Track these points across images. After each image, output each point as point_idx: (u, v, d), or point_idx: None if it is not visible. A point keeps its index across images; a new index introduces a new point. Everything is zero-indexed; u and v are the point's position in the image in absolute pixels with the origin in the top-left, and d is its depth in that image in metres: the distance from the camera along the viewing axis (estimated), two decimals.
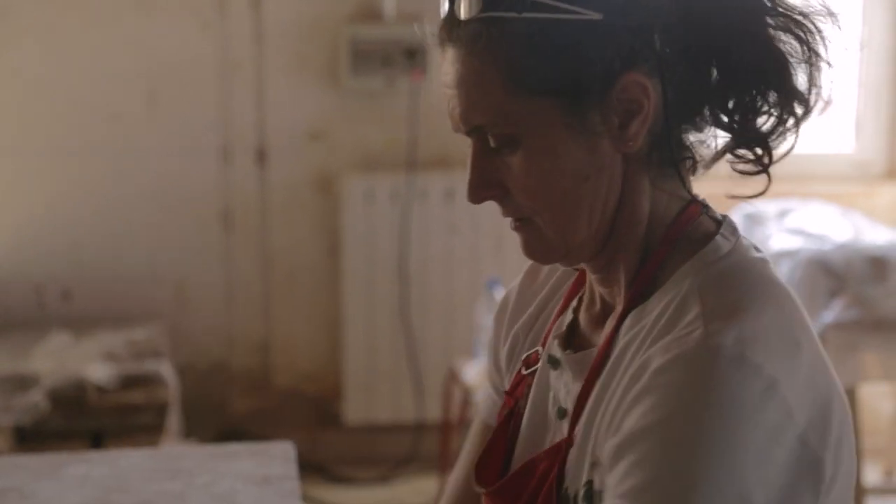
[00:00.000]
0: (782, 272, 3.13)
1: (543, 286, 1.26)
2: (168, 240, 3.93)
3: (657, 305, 1.09)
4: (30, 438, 3.20)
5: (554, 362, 1.18)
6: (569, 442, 1.11)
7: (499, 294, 3.48)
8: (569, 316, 1.21)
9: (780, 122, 1.12)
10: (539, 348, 1.21)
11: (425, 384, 3.97)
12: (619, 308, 1.13)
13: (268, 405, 4.08)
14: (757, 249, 1.14)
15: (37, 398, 3.28)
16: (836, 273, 3.14)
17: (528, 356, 1.23)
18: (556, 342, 1.18)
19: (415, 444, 3.97)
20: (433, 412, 3.90)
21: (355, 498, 3.72)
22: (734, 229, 1.15)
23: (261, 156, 3.93)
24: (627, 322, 1.10)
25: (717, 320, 1.03)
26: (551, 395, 1.17)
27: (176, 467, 1.87)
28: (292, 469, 1.87)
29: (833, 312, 3.10)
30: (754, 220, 3.45)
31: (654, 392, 1.01)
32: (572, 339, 1.18)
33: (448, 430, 3.70)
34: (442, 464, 3.60)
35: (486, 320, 3.48)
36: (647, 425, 0.99)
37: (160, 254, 3.93)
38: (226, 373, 4.07)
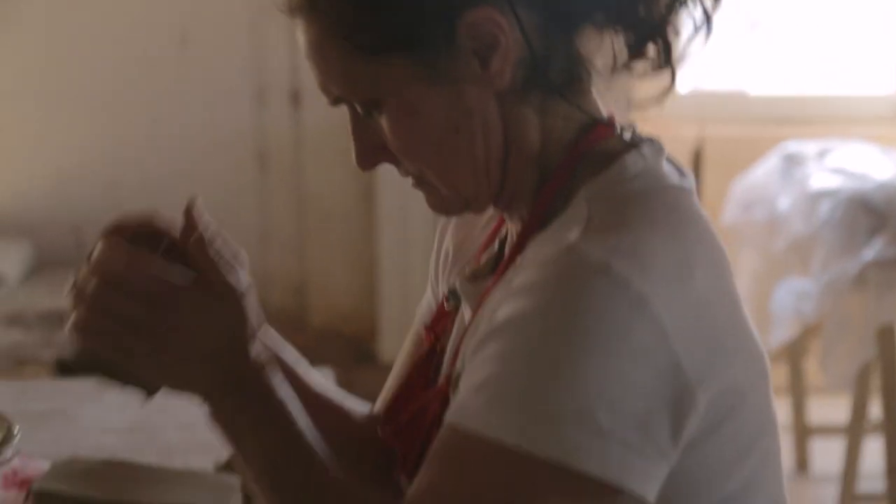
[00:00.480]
0: (822, 211, 3.09)
1: (465, 226, 1.22)
2: (203, 182, 3.94)
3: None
4: (70, 374, 3.23)
5: (455, 296, 1.15)
6: (447, 382, 1.08)
7: None
8: (495, 248, 1.15)
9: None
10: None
11: None
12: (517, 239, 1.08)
13: (304, 344, 4.09)
14: (682, 175, 1.05)
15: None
16: (877, 211, 3.11)
17: (449, 290, 1.18)
18: (461, 276, 1.14)
19: None
20: None
21: None
22: (658, 152, 1.06)
23: (295, 98, 3.92)
24: (526, 253, 1.04)
25: (594, 233, 0.97)
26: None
27: None
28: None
29: (873, 250, 3.07)
30: (794, 160, 3.41)
31: (516, 295, 0.96)
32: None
33: None
34: None
35: None
36: (503, 322, 0.95)
37: (196, 193, 3.93)
38: (263, 311, 4.08)
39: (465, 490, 0.91)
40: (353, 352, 4.10)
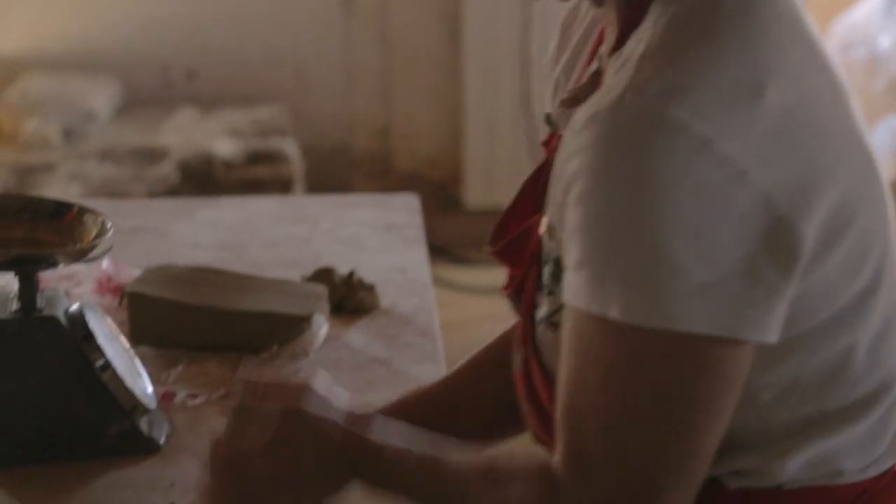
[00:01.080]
0: None
1: (580, 28, 1.14)
2: (289, 23, 3.93)
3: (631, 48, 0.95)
4: None
5: (550, 122, 1.12)
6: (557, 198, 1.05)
7: None
8: (594, 66, 1.07)
9: None
10: None
11: None
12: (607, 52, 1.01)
13: (389, 189, 4.13)
14: None
15: (167, 170, 3.36)
16: None
17: (547, 115, 1.12)
18: (559, 101, 1.07)
19: None
20: None
21: (476, 277, 3.77)
22: None
23: None
24: (609, 71, 0.98)
25: (649, 66, 0.89)
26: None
27: (302, 214, 1.92)
28: (417, 219, 1.89)
29: None
30: None
31: (578, 154, 0.90)
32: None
33: None
34: None
35: None
36: (576, 195, 0.90)
37: (281, 37, 3.93)
38: (347, 156, 4.11)
39: (594, 370, 0.89)
40: (437, 198, 4.11)
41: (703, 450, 0.91)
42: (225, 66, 3.90)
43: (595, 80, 1.05)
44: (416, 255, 1.74)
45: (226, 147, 3.46)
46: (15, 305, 1.20)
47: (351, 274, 1.57)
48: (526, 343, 1.05)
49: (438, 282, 1.57)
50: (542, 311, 1.01)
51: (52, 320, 1.20)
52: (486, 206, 4.04)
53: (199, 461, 1.22)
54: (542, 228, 1.02)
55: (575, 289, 0.90)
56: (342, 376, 1.40)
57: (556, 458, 0.92)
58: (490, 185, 4.03)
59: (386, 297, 1.58)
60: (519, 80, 3.90)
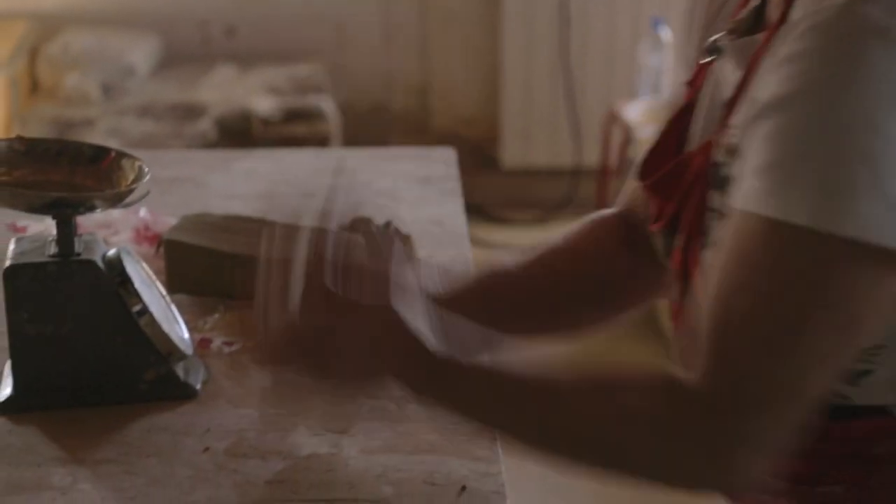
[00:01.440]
0: None
1: None
2: None
3: None
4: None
5: (714, 51, 1.12)
6: (720, 134, 1.06)
7: (664, 33, 3.39)
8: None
9: None
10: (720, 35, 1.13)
11: (583, 128, 3.94)
12: None
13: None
14: None
15: (205, 126, 3.37)
16: None
17: (710, 43, 1.16)
18: (724, 30, 1.11)
19: (572, 188, 3.97)
20: (590, 157, 3.88)
21: (514, 237, 3.76)
22: None
23: None
24: (794, 8, 0.99)
25: None
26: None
27: (339, 166, 1.91)
28: (453, 171, 1.88)
29: None
30: None
31: (786, 64, 0.91)
32: (758, 24, 1.10)
33: (606, 173, 3.68)
34: (599, 208, 3.60)
35: (650, 61, 3.41)
36: (776, 99, 0.91)
37: None
38: (385, 113, 4.10)
39: (765, 278, 0.89)
40: (474, 157, 4.10)
41: (839, 370, 0.91)
42: (264, 23, 3.90)
43: (760, 9, 1.06)
44: (453, 208, 1.73)
45: (263, 104, 3.46)
46: (53, 249, 1.21)
47: (388, 224, 1.56)
48: (684, 275, 1.05)
49: (474, 241, 1.57)
50: (712, 236, 1.01)
51: (90, 264, 1.20)
52: (522, 166, 4.02)
53: (235, 407, 1.23)
54: (719, 153, 1.02)
55: (756, 195, 0.90)
56: None
57: (693, 372, 0.91)
58: (527, 145, 4.01)
59: (422, 249, 1.57)
60: (558, 36, 3.86)
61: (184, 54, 3.85)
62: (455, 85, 4.09)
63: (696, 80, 1.15)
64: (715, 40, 1.11)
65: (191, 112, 3.41)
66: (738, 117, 1.00)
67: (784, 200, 0.88)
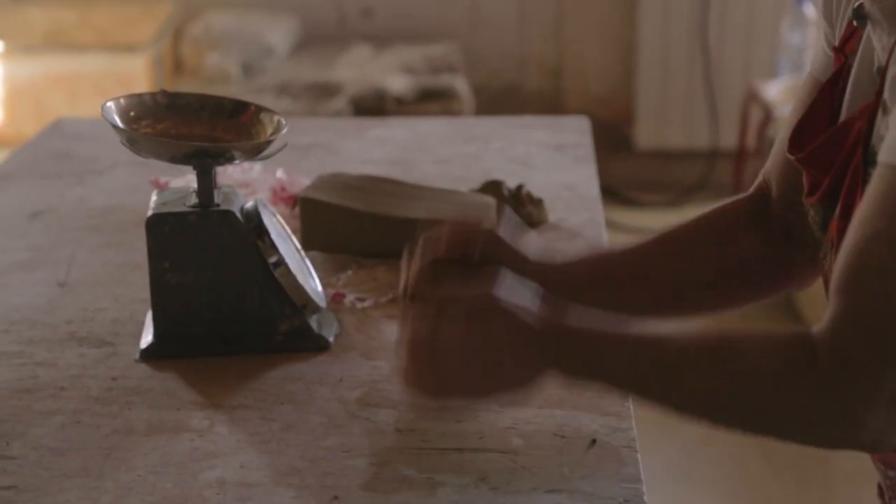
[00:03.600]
0: None
1: None
2: None
3: None
4: None
5: (860, 18, 1.09)
6: (877, 100, 1.03)
7: (808, 9, 3.31)
8: None
9: None
10: None
11: (721, 109, 3.88)
12: None
13: None
14: None
15: (340, 104, 3.41)
16: None
17: (858, 5, 1.12)
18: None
19: (707, 171, 3.91)
20: (727, 139, 3.82)
21: (646, 220, 3.73)
22: None
23: None
24: None
25: None
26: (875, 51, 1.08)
27: (472, 133, 1.92)
28: (587, 139, 1.88)
29: None
30: None
31: None
32: None
33: (743, 155, 3.62)
34: (735, 190, 3.54)
35: (792, 38, 3.33)
36: None
37: None
38: (518, 94, 4.10)
39: None
40: (608, 138, 4.07)
41: None
42: (399, 4, 3.93)
43: None
44: (586, 173, 1.73)
45: (398, 83, 3.48)
46: (193, 200, 1.24)
47: (520, 187, 1.56)
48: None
49: (606, 223, 1.56)
50: None
51: (229, 214, 1.22)
52: (657, 148, 3.98)
53: (367, 359, 1.24)
54: (878, 116, 1.00)
55: None
56: None
57: (820, 325, 0.90)
58: (662, 127, 3.97)
59: (554, 212, 1.57)
60: (696, 14, 3.81)
61: (321, 35, 3.91)
62: (589, 65, 4.06)
63: (846, 48, 1.12)
64: (860, 5, 1.08)
65: (326, 91, 3.46)
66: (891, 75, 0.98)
67: None
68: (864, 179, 1.01)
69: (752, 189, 1.22)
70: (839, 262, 0.91)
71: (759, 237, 1.19)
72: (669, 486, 2.61)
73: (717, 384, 0.95)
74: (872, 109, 1.00)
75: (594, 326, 1.00)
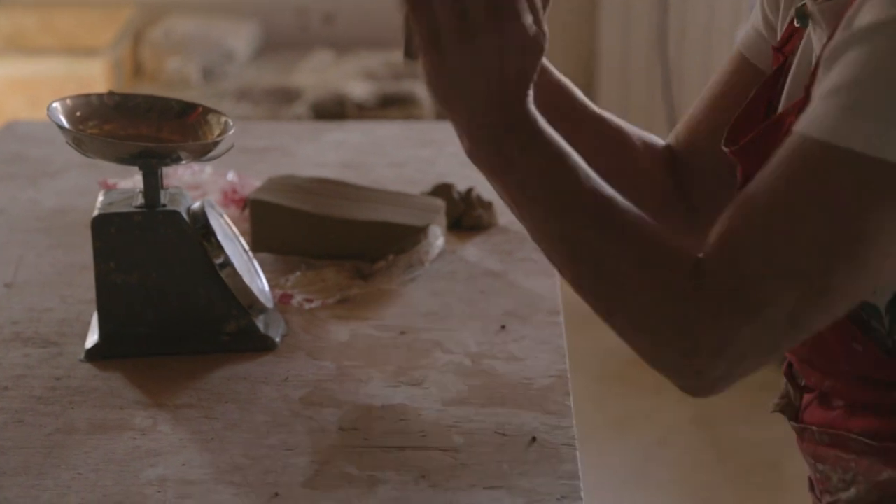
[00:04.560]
0: None
1: None
2: None
3: None
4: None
5: (802, 18, 1.11)
6: (806, 95, 1.05)
7: None
8: None
9: None
10: None
11: (681, 116, 3.90)
12: None
13: None
14: None
15: (301, 110, 3.41)
16: None
17: (801, 5, 1.14)
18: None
19: None
20: None
21: None
22: None
23: None
24: None
25: None
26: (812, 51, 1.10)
27: (429, 137, 1.93)
28: None
29: None
30: None
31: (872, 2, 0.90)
32: None
33: None
34: None
35: None
36: (863, 28, 0.89)
37: None
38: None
39: (806, 195, 0.88)
40: None
41: (847, 293, 0.90)
42: (361, 10, 3.93)
43: None
44: None
45: (359, 89, 3.49)
46: (140, 201, 1.24)
47: (469, 190, 1.57)
48: None
49: None
50: None
51: (175, 214, 1.23)
52: None
53: (313, 359, 1.25)
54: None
55: (818, 118, 0.89)
56: (456, 286, 1.41)
57: (702, 258, 0.90)
58: None
59: (504, 215, 1.58)
60: (656, 25, 3.84)
61: (283, 41, 3.91)
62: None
63: (785, 48, 1.14)
64: (803, 5, 1.10)
65: (287, 96, 3.46)
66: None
67: (845, 125, 0.87)
68: None
69: (672, 141, 1.26)
70: (734, 206, 0.91)
71: (674, 186, 1.24)
72: (623, 490, 2.62)
73: (601, 249, 0.93)
74: (803, 104, 1.02)
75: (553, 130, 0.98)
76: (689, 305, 0.89)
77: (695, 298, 0.89)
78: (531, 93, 0.97)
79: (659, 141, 1.28)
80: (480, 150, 0.98)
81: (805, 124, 0.90)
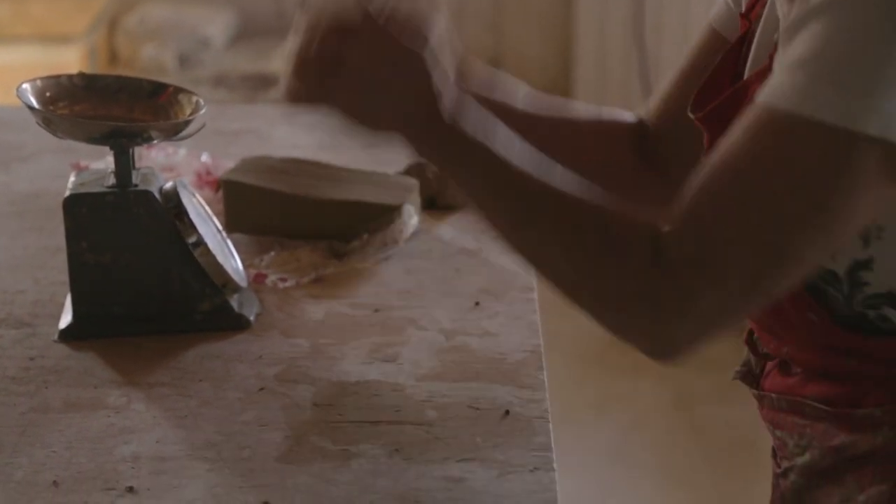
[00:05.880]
0: None
1: None
2: None
3: None
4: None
5: None
6: (770, 63, 1.05)
7: None
8: None
9: None
10: None
11: None
12: None
13: None
14: None
15: (277, 96, 3.41)
16: None
17: None
18: None
19: None
20: None
21: None
22: None
23: None
24: None
25: None
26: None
27: None
28: None
29: None
30: None
31: None
32: None
33: None
34: None
35: None
36: (819, 5, 0.89)
37: None
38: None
39: (770, 164, 0.88)
40: None
41: (809, 259, 0.91)
42: None
43: None
44: None
45: None
46: (111, 181, 1.24)
47: None
48: None
49: None
50: None
51: (147, 194, 1.23)
52: None
53: (287, 338, 1.25)
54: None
55: (781, 89, 0.89)
56: (431, 265, 1.42)
57: (666, 229, 0.91)
58: None
59: None
60: (632, 11, 3.84)
61: (259, 27, 3.89)
62: (528, 58, 4.08)
63: (751, 14, 1.15)
64: None
65: (263, 82, 3.46)
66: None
67: (811, 96, 0.88)
68: None
69: (643, 115, 1.27)
70: (693, 177, 0.92)
71: (638, 162, 1.24)
72: (602, 470, 2.64)
73: (568, 228, 0.94)
74: (767, 72, 1.02)
75: (488, 116, 0.98)
76: (653, 273, 0.90)
77: (658, 265, 0.90)
78: (447, 104, 0.97)
79: (628, 117, 1.28)
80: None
81: (769, 95, 0.91)
